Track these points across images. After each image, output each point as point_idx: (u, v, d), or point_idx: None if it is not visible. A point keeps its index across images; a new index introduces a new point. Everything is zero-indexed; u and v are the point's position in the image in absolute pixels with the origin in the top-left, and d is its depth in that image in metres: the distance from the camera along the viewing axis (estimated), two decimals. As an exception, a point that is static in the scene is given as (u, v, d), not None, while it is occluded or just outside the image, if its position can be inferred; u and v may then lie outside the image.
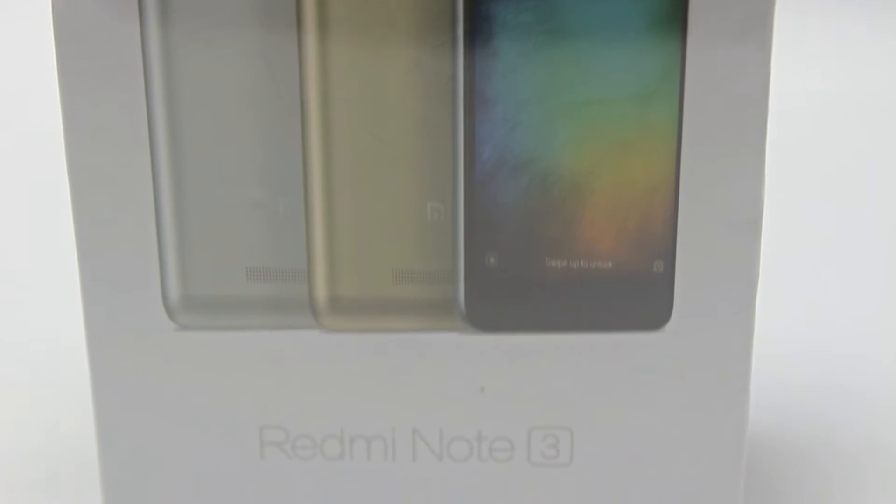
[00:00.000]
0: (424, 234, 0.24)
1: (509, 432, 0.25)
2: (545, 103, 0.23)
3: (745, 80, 0.23)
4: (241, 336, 0.25)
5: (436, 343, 0.25)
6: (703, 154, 0.23)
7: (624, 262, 0.24)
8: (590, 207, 0.24)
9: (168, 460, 0.26)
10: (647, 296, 0.24)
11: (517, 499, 0.26)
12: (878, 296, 0.42)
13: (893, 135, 0.60)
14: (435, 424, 0.25)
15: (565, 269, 0.24)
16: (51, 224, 0.38)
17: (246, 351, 0.25)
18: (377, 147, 0.24)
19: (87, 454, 0.27)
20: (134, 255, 0.24)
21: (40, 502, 0.29)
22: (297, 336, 0.25)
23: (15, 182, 0.53)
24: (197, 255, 0.24)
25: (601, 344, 0.25)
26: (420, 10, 0.23)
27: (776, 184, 0.30)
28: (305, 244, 0.24)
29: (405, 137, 0.24)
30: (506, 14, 0.23)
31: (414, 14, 0.23)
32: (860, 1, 0.77)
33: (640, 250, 0.24)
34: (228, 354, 0.25)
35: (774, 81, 0.23)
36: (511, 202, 0.24)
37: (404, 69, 0.23)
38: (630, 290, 0.24)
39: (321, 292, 0.24)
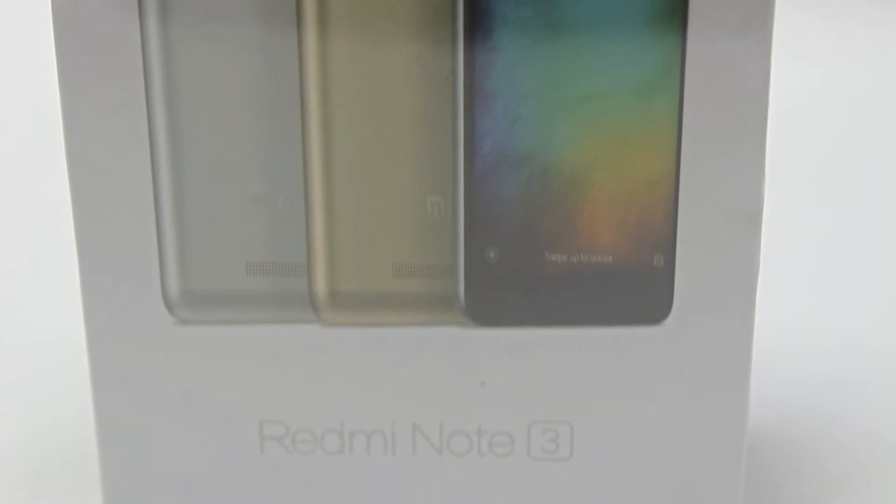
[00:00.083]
0: (424, 228, 0.24)
1: (509, 426, 0.25)
2: (545, 98, 0.23)
3: (745, 74, 0.23)
4: (240, 330, 0.25)
5: (436, 337, 0.25)
6: (703, 148, 0.23)
7: (624, 257, 0.24)
8: (590, 202, 0.24)
9: (168, 454, 0.26)
10: (647, 290, 0.24)
11: (517, 493, 0.26)
12: (878, 290, 0.42)
13: (893, 131, 0.60)
14: (435, 419, 0.25)
15: (565, 264, 0.24)
16: (50, 219, 0.38)
17: (245, 345, 0.25)
18: (377, 141, 0.24)
19: (87, 448, 0.27)
20: (133, 250, 0.24)
21: (40, 498, 0.29)
22: (297, 330, 0.25)
23: (14, 179, 0.53)
24: (196, 249, 0.24)
25: (601, 338, 0.25)
26: (420, 5, 0.23)
27: (777, 179, 0.30)
28: (305, 238, 0.24)
29: (405, 132, 0.24)
30: (506, 8, 0.23)
31: (414, 9, 0.23)
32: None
33: (640, 244, 0.24)
34: (228, 349, 0.25)
35: (775, 79, 0.23)
36: (511, 196, 0.24)
37: (404, 64, 0.23)
38: (630, 284, 0.24)
39: (321, 286, 0.24)
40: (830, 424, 0.33)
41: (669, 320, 0.24)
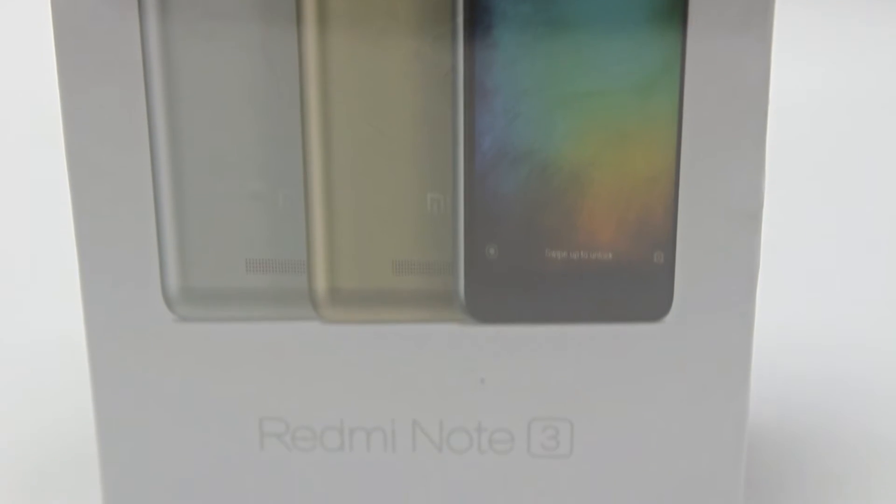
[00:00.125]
0: (424, 225, 0.24)
1: (509, 424, 0.25)
2: (545, 94, 0.23)
3: (745, 71, 0.23)
4: (240, 327, 0.25)
5: (436, 334, 0.25)
6: (703, 145, 0.23)
7: (624, 254, 0.24)
8: (590, 198, 0.24)
9: (168, 451, 0.26)
10: (647, 287, 0.24)
11: (517, 490, 0.26)
12: (878, 287, 0.42)
13: (894, 129, 0.60)
14: (435, 416, 0.25)
15: (565, 261, 0.24)
16: (50, 217, 0.38)
17: (245, 342, 0.25)
18: (377, 138, 0.24)
19: (87, 447, 0.27)
20: (133, 247, 0.24)
21: (40, 494, 0.29)
22: (297, 327, 0.25)
23: (14, 175, 0.53)
24: (196, 246, 0.24)
25: (601, 335, 0.25)
26: (419, 2, 0.23)
27: (777, 176, 0.30)
28: (305, 235, 0.24)
29: (405, 129, 0.24)
30: (505, 5, 0.23)
31: (413, 5, 0.23)
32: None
33: (640, 241, 0.24)
34: (228, 346, 0.25)
35: (775, 76, 0.23)
36: (511, 193, 0.24)
37: (404, 60, 0.23)
38: (630, 281, 0.24)
39: (321, 283, 0.24)
40: (830, 421, 0.33)
41: (669, 317, 0.24)
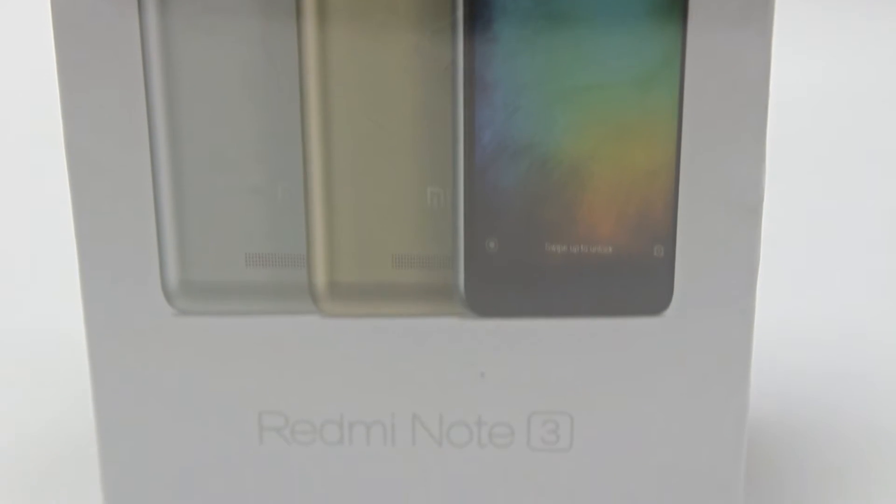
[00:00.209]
0: (424, 219, 0.24)
1: (509, 417, 0.25)
2: (545, 88, 0.23)
3: (745, 65, 0.23)
4: (240, 321, 0.25)
5: (436, 328, 0.25)
6: (703, 139, 0.23)
7: (624, 247, 0.24)
8: (590, 192, 0.24)
9: (167, 445, 0.26)
10: (647, 281, 0.24)
11: (517, 484, 0.26)
12: (878, 281, 0.42)
13: (893, 123, 0.60)
14: (435, 410, 0.25)
15: (565, 254, 0.24)
16: (49, 212, 0.38)
17: (245, 336, 0.25)
18: (376, 132, 0.24)
19: (87, 439, 0.27)
20: (133, 241, 0.24)
21: (40, 489, 0.29)
22: (297, 321, 0.25)
23: (13, 171, 0.53)
24: (196, 240, 0.24)
25: (601, 329, 0.25)
26: (419, -5, 0.23)
27: (777, 170, 0.30)
28: (304, 229, 0.24)
29: (404, 123, 0.24)
30: (505, -2, 0.23)
31: (413, -1, 0.23)
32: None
33: (640, 235, 0.24)
34: (227, 340, 0.25)
35: (775, 70, 0.23)
36: (511, 187, 0.24)
37: (403, 54, 0.23)
38: (630, 274, 0.24)
39: (320, 277, 0.24)
40: (831, 415, 0.33)
41: (669, 311, 0.24)
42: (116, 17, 0.23)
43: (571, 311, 0.25)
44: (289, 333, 0.25)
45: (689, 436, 0.25)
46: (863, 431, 0.32)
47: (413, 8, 0.23)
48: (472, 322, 0.25)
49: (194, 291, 0.24)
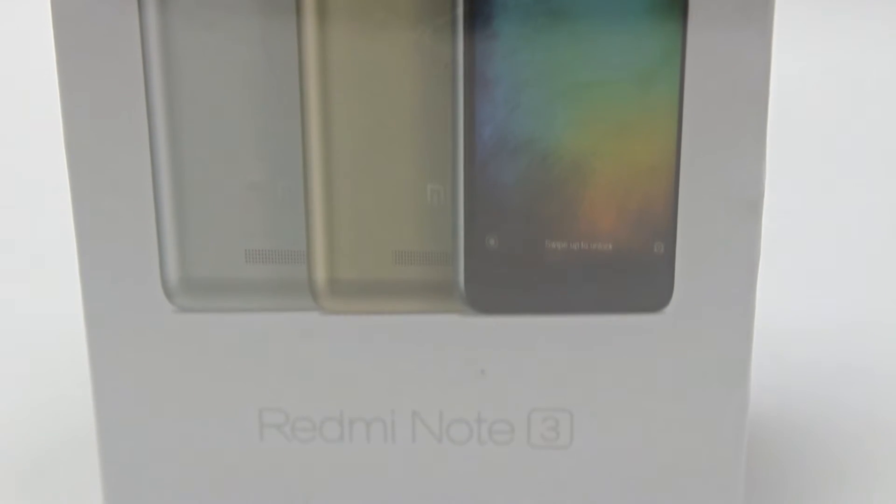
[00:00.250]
0: (424, 215, 0.24)
1: (509, 414, 0.25)
2: (546, 85, 0.23)
3: (746, 62, 0.23)
4: (240, 318, 0.25)
5: (436, 325, 0.25)
6: (704, 136, 0.23)
7: (624, 244, 0.24)
8: (590, 189, 0.24)
9: (167, 442, 0.26)
10: (647, 277, 0.24)
11: (517, 481, 0.26)
12: (879, 276, 0.42)
13: (892, 117, 0.60)
14: (435, 407, 0.25)
15: (565, 251, 0.24)
16: (48, 208, 0.38)
17: (245, 333, 0.25)
18: (376, 129, 0.24)
19: (87, 436, 0.27)
20: (133, 238, 0.24)
21: (40, 484, 0.29)
22: (297, 318, 0.25)
23: (13, 166, 0.53)
24: (196, 237, 0.24)
25: (601, 326, 0.25)
26: (419, -8, 0.23)
27: (777, 167, 0.30)
28: (304, 226, 0.24)
29: (405, 120, 0.24)
30: (505, -5, 0.23)
31: (413, -5, 0.23)
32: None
33: (640, 232, 0.24)
34: (227, 336, 0.25)
35: (775, 67, 0.23)
36: (511, 184, 0.24)
37: (404, 51, 0.23)
38: (630, 271, 0.24)
39: (320, 274, 0.24)
40: (831, 410, 0.33)
41: (670, 308, 0.24)
42: (116, 13, 0.23)
43: (571, 308, 0.24)
44: (289, 330, 0.25)
45: (689, 432, 0.25)
46: (864, 426, 0.32)
47: (413, 4, 0.23)
48: (473, 319, 0.25)
49: (194, 288, 0.24)
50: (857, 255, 0.44)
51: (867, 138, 0.57)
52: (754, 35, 0.23)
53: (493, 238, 0.24)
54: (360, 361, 0.25)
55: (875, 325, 0.38)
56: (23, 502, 0.29)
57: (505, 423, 0.25)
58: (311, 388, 0.25)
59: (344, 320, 0.25)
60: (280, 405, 0.25)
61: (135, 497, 0.26)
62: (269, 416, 0.25)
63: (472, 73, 0.23)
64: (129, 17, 0.23)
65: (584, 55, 0.23)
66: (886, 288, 0.41)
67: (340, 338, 0.25)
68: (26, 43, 0.52)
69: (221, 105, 0.23)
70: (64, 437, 0.31)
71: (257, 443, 0.26)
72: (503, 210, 0.24)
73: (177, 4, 0.23)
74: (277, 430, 0.25)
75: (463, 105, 0.23)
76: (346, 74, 0.23)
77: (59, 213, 0.29)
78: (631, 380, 0.25)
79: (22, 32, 0.57)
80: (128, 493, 0.26)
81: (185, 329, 0.25)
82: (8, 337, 0.37)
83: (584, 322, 0.25)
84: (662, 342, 0.25)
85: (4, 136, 0.56)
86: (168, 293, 0.24)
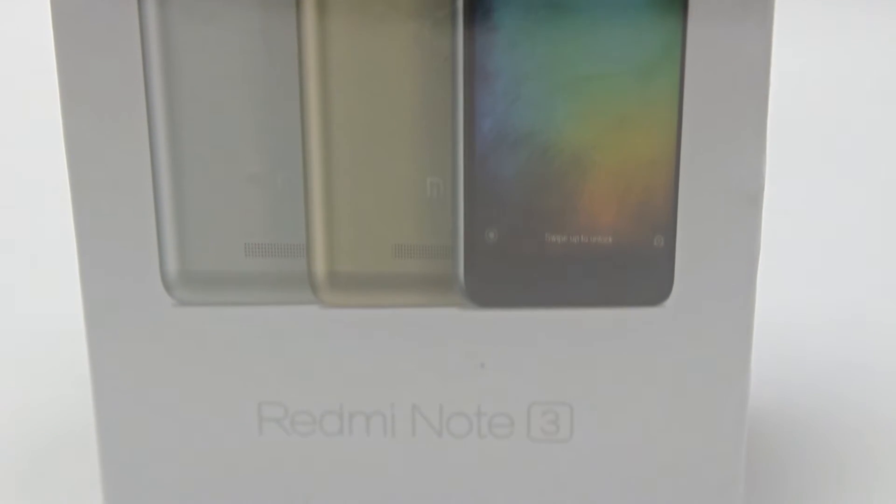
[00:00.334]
0: (424, 209, 0.24)
1: (509, 408, 0.25)
2: (546, 78, 0.23)
3: (746, 55, 0.23)
4: (239, 311, 0.25)
5: (435, 319, 0.25)
6: (704, 129, 0.23)
7: (624, 237, 0.24)
8: (590, 182, 0.24)
9: (166, 435, 0.26)
10: (647, 271, 0.24)
11: (517, 474, 0.26)
12: (879, 270, 0.42)
13: (893, 112, 0.60)
14: (434, 400, 0.25)
15: (565, 244, 0.24)
16: (47, 202, 0.38)
17: (244, 326, 0.25)
18: (376, 122, 0.24)
19: (86, 431, 0.27)
20: (132, 231, 0.24)
21: (40, 479, 0.29)
22: (296, 311, 0.25)
23: (12, 164, 0.53)
24: (195, 230, 0.24)
25: (601, 319, 0.25)
26: (419, -16, 0.23)
27: (777, 160, 0.30)
28: (304, 219, 0.24)
29: (404, 113, 0.24)
30: (506, -12, 0.23)
31: (413, -12, 0.23)
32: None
33: (640, 225, 0.24)
34: (227, 330, 0.25)
35: (776, 60, 0.23)
36: (511, 177, 0.24)
37: (404, 43, 0.23)
38: (630, 265, 0.24)
39: (320, 267, 0.24)
40: (831, 404, 0.33)
41: (670, 301, 0.24)
42: (115, 6, 0.23)
43: (571, 301, 0.24)
44: (288, 323, 0.25)
45: (689, 426, 0.25)
46: (864, 420, 0.32)
47: (413, -3, 0.23)
48: (472, 312, 0.25)
49: (194, 282, 0.24)
50: (859, 249, 0.44)
51: (868, 133, 0.57)
52: (754, 28, 0.23)
53: (493, 231, 0.24)
54: (360, 355, 0.25)
55: (876, 320, 0.38)
56: (23, 502, 0.29)
57: (505, 416, 0.25)
58: (311, 381, 0.25)
59: (343, 314, 0.25)
60: (279, 399, 0.25)
61: (133, 490, 0.26)
62: (268, 409, 0.25)
63: (472, 66, 0.23)
64: (128, 9, 0.23)
65: (584, 48, 0.23)
66: (888, 282, 0.41)
67: (340, 331, 0.25)
68: (26, 34, 0.52)
69: (221, 98, 0.23)
70: (64, 437, 0.31)
71: (257, 436, 0.26)
72: (503, 203, 0.24)
73: (176, -3, 0.23)
74: (277, 424, 0.25)
75: (463, 98, 0.23)
76: (345, 67, 0.23)
77: (59, 213, 0.29)
78: (631, 373, 0.25)
79: (21, 25, 0.57)
80: (127, 487, 0.26)
81: (184, 322, 0.25)
82: (8, 337, 0.37)
83: (584, 315, 0.25)
84: (662, 336, 0.25)
85: (3, 131, 0.56)
86: (167, 286, 0.24)
